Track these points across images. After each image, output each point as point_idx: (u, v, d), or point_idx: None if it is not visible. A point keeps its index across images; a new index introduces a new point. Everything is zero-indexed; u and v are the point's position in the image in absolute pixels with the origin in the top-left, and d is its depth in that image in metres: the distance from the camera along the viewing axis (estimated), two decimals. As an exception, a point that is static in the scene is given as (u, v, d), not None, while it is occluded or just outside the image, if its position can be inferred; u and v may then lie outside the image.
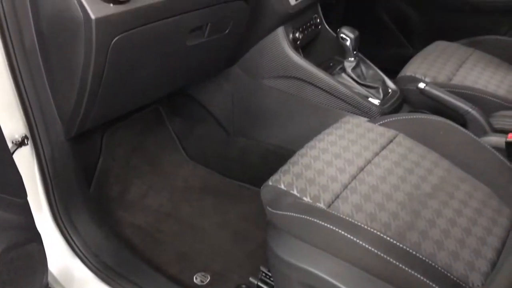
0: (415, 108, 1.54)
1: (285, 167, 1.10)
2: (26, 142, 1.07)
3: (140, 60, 1.08)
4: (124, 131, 1.67)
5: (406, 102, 1.55)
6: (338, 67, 1.56)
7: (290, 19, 1.44)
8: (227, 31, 1.26)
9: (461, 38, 1.87)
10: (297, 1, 1.41)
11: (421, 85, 1.37)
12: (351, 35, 1.44)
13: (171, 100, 1.79)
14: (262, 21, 1.37)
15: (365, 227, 0.90)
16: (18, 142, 1.05)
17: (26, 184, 0.82)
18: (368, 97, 1.45)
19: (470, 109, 1.30)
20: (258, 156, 1.64)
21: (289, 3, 1.38)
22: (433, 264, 0.87)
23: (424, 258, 0.87)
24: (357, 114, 1.44)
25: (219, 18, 1.20)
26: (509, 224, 1.02)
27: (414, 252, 0.88)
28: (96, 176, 1.54)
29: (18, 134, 1.06)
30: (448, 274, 0.86)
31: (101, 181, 1.56)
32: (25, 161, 1.09)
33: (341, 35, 1.45)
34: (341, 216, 0.93)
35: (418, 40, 2.13)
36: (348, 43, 1.45)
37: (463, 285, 0.86)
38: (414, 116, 1.28)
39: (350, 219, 0.93)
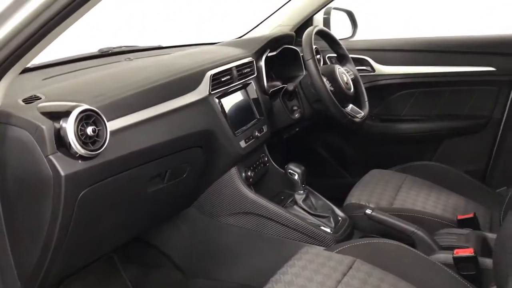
0: (366, 233, 1.63)
1: None
2: (-19, 307, 1.01)
3: (104, 211, 1.11)
4: (78, 284, 1.60)
5: (356, 228, 1.64)
6: (289, 200, 1.65)
7: (242, 160, 1.55)
8: (184, 176, 1.34)
9: (393, 165, 2.06)
10: (247, 144, 1.54)
11: (368, 211, 1.47)
12: (298, 170, 1.57)
13: (124, 246, 1.77)
14: (217, 164, 1.47)
15: None
16: (-27, 307, 0.99)
17: None
18: (320, 226, 1.53)
19: (415, 230, 1.40)
20: (219, 297, 1.61)
21: (240, 146, 1.50)
22: None
23: None
24: (313, 243, 1.50)
25: (177, 164, 1.28)
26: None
27: None
28: None
29: (-27, 299, 1.01)
30: None
31: None
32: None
33: (289, 170, 1.58)
34: None
35: (355, 169, 2.31)
36: (296, 177, 1.57)
37: None
38: (367, 241, 1.35)
39: None
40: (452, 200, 1.76)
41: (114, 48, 1.78)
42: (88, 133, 0.96)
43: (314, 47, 1.65)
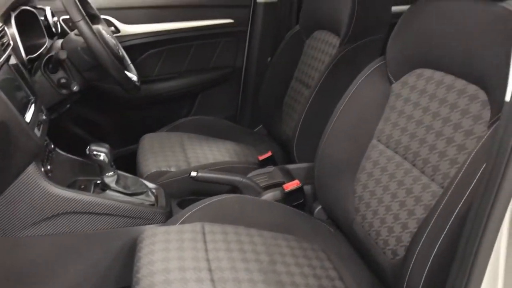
0: (177, 197, 1.58)
1: None
2: None
3: None
4: None
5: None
6: (93, 187, 1.41)
7: (40, 152, 1.22)
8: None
9: (159, 127, 2.03)
10: (40, 131, 1.21)
11: (194, 174, 1.43)
12: (104, 149, 1.34)
13: None
14: (12, 165, 1.11)
15: None
16: None
17: None
18: (145, 204, 1.39)
19: (242, 179, 1.45)
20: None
21: (36, 135, 1.17)
22: None
23: None
24: (143, 224, 1.35)
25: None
26: (324, 256, 1.22)
27: None
28: None
29: None
30: None
31: None
32: None
33: (93, 152, 1.34)
34: None
35: (117, 139, 2.16)
36: (102, 158, 1.35)
37: None
38: (205, 204, 1.31)
39: None
40: (230, 146, 1.89)
41: None
42: None
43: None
